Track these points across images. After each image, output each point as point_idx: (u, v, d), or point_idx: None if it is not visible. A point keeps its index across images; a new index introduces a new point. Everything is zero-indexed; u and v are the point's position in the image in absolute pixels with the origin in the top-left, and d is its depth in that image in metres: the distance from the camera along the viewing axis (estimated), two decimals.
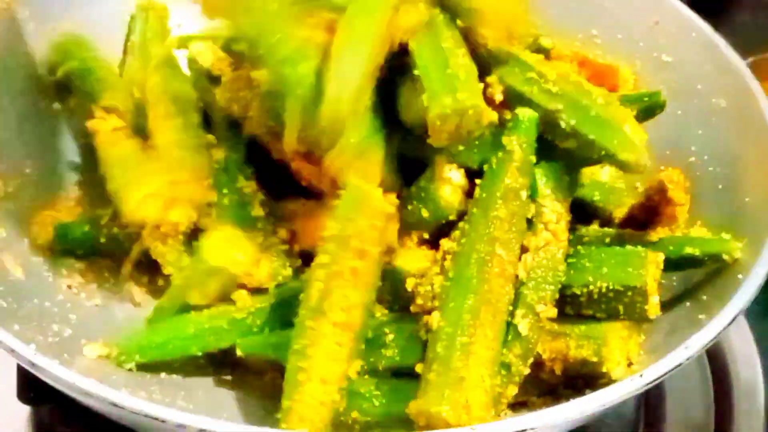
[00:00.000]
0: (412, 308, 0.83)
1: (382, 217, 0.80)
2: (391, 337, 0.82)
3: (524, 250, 0.83)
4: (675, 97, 1.02)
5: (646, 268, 0.82)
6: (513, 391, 0.79)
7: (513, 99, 0.86)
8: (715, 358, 1.06)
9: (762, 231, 0.84)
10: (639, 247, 0.85)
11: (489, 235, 0.81)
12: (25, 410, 0.98)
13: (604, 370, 0.81)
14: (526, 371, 0.80)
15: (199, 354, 0.86)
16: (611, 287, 0.82)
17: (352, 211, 0.79)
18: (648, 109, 0.93)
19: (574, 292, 0.84)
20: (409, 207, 0.87)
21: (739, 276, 0.82)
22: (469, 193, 0.86)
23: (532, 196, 0.85)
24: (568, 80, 0.87)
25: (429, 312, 0.81)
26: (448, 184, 0.86)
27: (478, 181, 0.84)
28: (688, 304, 0.87)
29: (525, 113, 0.85)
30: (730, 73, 0.99)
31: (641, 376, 0.72)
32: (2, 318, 0.77)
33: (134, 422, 0.74)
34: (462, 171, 0.86)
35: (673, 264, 0.86)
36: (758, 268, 0.81)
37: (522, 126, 0.85)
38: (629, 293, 0.82)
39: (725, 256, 0.85)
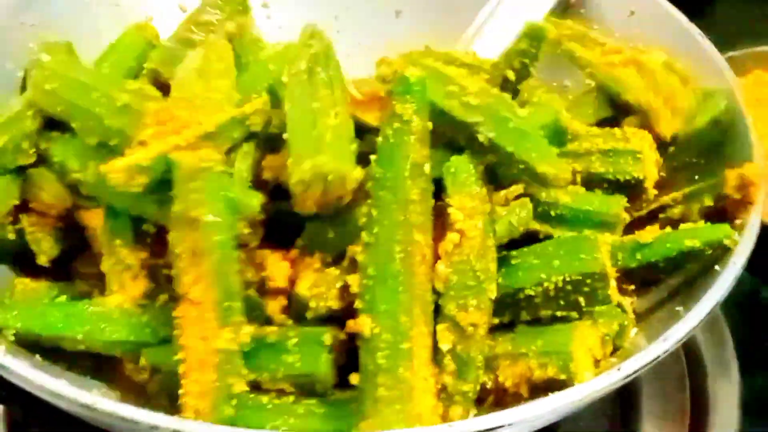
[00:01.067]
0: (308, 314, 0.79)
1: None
2: (294, 341, 0.76)
3: (436, 258, 0.77)
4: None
5: (600, 251, 0.79)
6: (457, 412, 0.74)
7: (433, 114, 0.81)
8: (690, 349, 1.06)
9: (737, 225, 0.85)
10: (585, 232, 0.83)
11: (406, 221, 0.75)
12: None
13: (576, 382, 0.76)
14: (472, 390, 0.75)
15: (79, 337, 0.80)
16: (567, 279, 0.79)
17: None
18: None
19: (528, 294, 0.80)
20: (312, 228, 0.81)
21: (716, 267, 0.81)
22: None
23: (438, 195, 0.79)
24: (488, 93, 0.84)
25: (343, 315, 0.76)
26: None
27: (373, 157, 0.78)
28: (665, 295, 0.87)
29: (413, 73, 0.79)
30: (706, 62, 0.99)
31: (619, 369, 0.71)
32: None
33: (107, 424, 0.73)
34: None
35: (674, 262, 0.85)
36: (735, 259, 0.81)
37: (414, 89, 0.78)
38: (588, 281, 0.79)
39: (726, 242, 0.82)
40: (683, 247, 0.84)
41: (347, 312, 0.76)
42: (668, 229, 0.87)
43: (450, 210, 0.78)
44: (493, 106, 0.82)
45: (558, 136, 0.86)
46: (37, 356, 0.79)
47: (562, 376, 0.77)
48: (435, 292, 0.76)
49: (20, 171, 0.91)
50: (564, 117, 0.87)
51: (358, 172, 0.76)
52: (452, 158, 0.81)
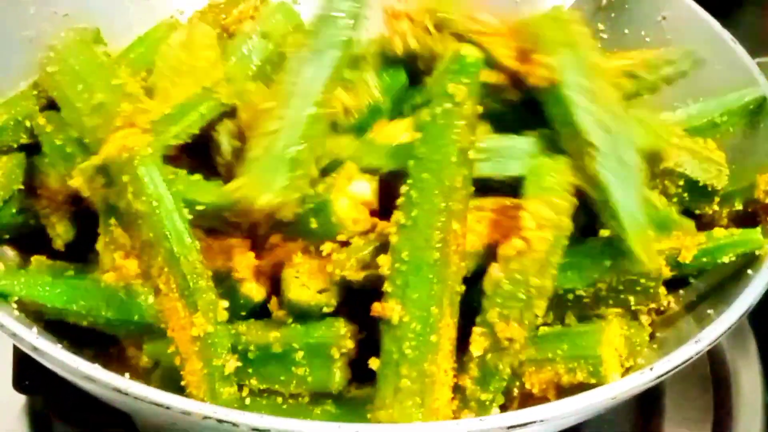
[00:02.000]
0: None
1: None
2: (300, 354, 0.75)
3: (493, 258, 0.73)
4: (681, 92, 1.02)
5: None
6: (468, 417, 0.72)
7: (549, 95, 0.78)
8: (714, 355, 1.06)
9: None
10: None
11: (447, 209, 0.72)
12: (20, 399, 0.98)
13: (606, 383, 0.75)
14: (490, 400, 0.73)
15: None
16: (622, 278, 0.78)
17: None
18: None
19: (578, 294, 0.79)
20: (300, 211, 0.76)
21: (749, 272, 0.81)
22: (383, 212, 0.77)
23: (515, 189, 0.76)
24: (621, 114, 0.78)
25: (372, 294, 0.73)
26: (346, 196, 0.77)
27: (417, 135, 0.74)
28: (696, 300, 0.87)
29: (470, 52, 0.75)
30: (738, 68, 0.99)
31: (651, 369, 0.71)
32: None
33: (135, 408, 0.73)
34: (372, 184, 0.78)
35: (706, 273, 0.86)
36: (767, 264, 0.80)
37: (469, 69, 0.75)
38: (642, 280, 0.79)
39: (759, 252, 0.82)
40: (718, 262, 0.84)
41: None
42: (702, 239, 0.84)
43: (522, 214, 0.73)
44: (618, 136, 0.76)
45: (656, 163, 0.83)
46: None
47: (593, 381, 0.76)
48: (467, 284, 0.74)
49: (25, 153, 0.92)
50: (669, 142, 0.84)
51: (266, 198, 0.73)
52: (546, 159, 0.76)
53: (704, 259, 0.83)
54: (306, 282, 0.77)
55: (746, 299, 0.78)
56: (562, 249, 0.74)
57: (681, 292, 0.89)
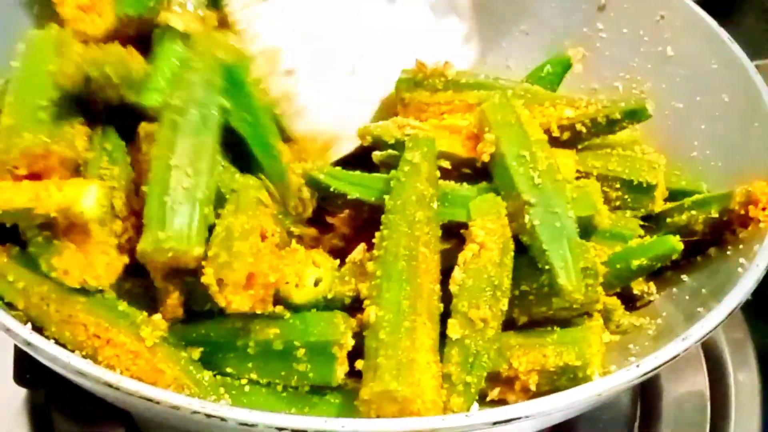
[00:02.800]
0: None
1: None
2: (302, 351, 0.79)
3: (452, 268, 0.81)
4: (679, 91, 1.03)
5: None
6: (458, 402, 0.76)
7: (494, 165, 0.88)
8: (711, 354, 1.06)
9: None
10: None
11: (411, 234, 0.81)
12: (21, 392, 0.99)
13: (588, 372, 0.80)
14: (478, 384, 0.78)
15: None
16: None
17: None
18: (632, 113, 0.95)
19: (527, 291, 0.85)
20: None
21: (739, 270, 0.81)
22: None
23: (464, 218, 0.84)
24: (553, 176, 0.86)
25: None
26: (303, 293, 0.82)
27: (386, 196, 0.84)
28: (686, 296, 0.87)
29: (423, 135, 0.89)
30: (735, 67, 0.99)
31: (638, 366, 0.71)
32: None
33: (128, 403, 0.74)
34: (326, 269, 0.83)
35: (625, 278, 0.89)
36: (757, 262, 0.81)
37: (422, 144, 0.87)
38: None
39: (675, 256, 0.87)
40: (632, 266, 0.88)
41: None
42: (618, 247, 0.89)
43: (471, 226, 0.83)
44: (551, 195, 0.84)
45: (588, 229, 0.88)
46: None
47: (578, 363, 0.81)
48: (444, 301, 0.80)
49: None
50: (600, 212, 0.89)
51: (198, 250, 0.77)
52: (480, 197, 0.86)
53: (618, 265, 0.88)
54: (298, 281, 0.81)
55: (735, 297, 0.78)
56: (511, 251, 0.83)
57: (673, 289, 0.89)
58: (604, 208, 0.90)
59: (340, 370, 0.78)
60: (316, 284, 0.81)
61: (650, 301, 0.91)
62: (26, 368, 0.96)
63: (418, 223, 0.82)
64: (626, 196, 0.94)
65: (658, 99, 0.99)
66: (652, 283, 0.91)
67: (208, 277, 0.75)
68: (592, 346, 0.82)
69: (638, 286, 0.90)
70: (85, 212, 0.76)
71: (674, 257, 0.87)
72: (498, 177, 0.88)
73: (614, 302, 0.89)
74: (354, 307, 0.81)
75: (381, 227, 0.82)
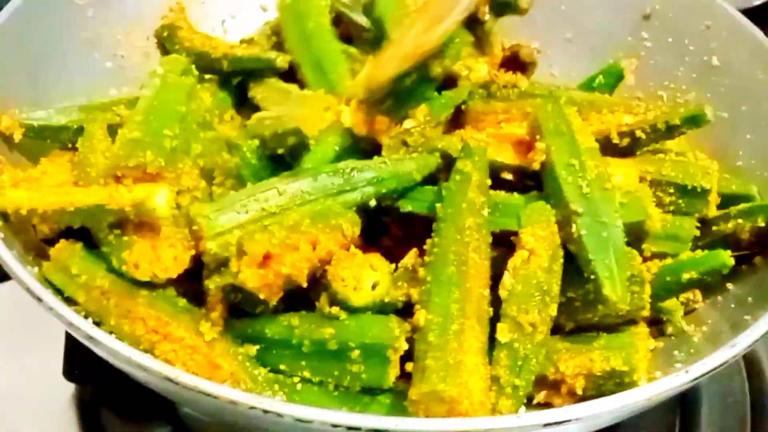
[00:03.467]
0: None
1: None
2: (356, 353, 0.80)
3: (502, 274, 0.82)
4: (723, 100, 1.03)
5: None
6: (506, 405, 0.77)
7: (544, 173, 0.89)
8: (752, 363, 1.05)
9: None
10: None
11: (461, 240, 0.82)
12: (69, 388, 1.00)
13: (634, 378, 0.81)
14: (526, 387, 0.79)
15: None
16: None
17: None
18: (691, 119, 0.94)
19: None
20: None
21: None
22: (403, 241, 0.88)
23: (515, 227, 0.85)
24: (602, 185, 0.86)
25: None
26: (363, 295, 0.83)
27: (438, 204, 0.85)
28: (732, 305, 0.87)
29: (476, 143, 0.89)
30: None
31: (687, 372, 0.72)
32: None
33: (186, 398, 0.75)
34: (383, 273, 0.84)
35: (676, 291, 0.90)
36: None
37: (474, 153, 0.88)
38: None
39: (725, 270, 0.87)
40: (682, 279, 0.88)
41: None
42: (669, 260, 0.90)
43: (521, 233, 0.84)
44: (599, 204, 0.84)
45: (640, 234, 0.88)
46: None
47: (625, 368, 0.81)
48: (494, 306, 0.81)
49: None
50: (652, 216, 0.88)
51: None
52: (530, 205, 0.87)
53: (668, 278, 0.88)
54: (356, 284, 0.82)
55: None
56: (560, 258, 0.83)
57: (719, 297, 0.90)
58: (657, 211, 0.89)
59: (393, 372, 0.79)
60: (373, 288, 0.82)
61: (695, 309, 0.91)
62: (75, 364, 0.97)
63: (468, 230, 0.83)
64: (680, 201, 0.93)
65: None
66: (697, 291, 0.91)
67: (233, 238, 0.78)
68: (638, 352, 0.82)
69: (684, 294, 0.91)
70: (158, 209, 0.81)
71: (724, 272, 0.87)
72: (548, 185, 0.88)
73: (675, 304, 0.89)
74: (406, 311, 0.82)
75: (432, 234, 0.84)
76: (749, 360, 1.05)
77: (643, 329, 0.86)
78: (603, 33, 1.15)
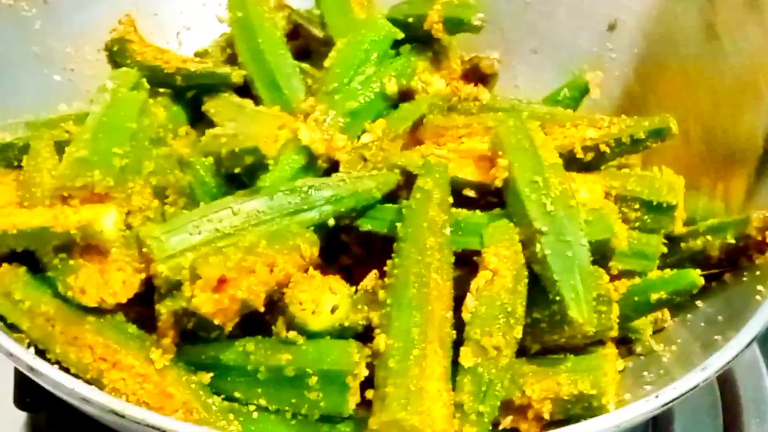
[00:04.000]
0: None
1: None
2: (314, 379, 0.77)
3: (465, 295, 0.79)
4: None
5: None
6: (471, 431, 0.74)
7: (506, 190, 0.86)
8: (725, 381, 1.04)
9: None
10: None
11: (422, 261, 0.80)
12: (22, 416, 0.97)
13: (603, 402, 0.79)
14: (491, 413, 0.76)
15: None
16: None
17: None
18: (657, 132, 0.93)
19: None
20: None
21: (757, 297, 0.80)
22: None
23: (477, 246, 0.82)
24: (566, 202, 0.83)
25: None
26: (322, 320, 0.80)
27: (398, 224, 0.83)
28: (702, 323, 0.86)
29: (436, 160, 0.88)
30: None
31: (657, 396, 0.70)
32: None
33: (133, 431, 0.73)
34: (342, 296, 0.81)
35: (644, 311, 0.88)
36: None
37: (434, 169, 0.86)
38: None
39: (695, 291, 0.86)
40: (651, 299, 0.86)
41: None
42: (637, 279, 0.88)
43: (484, 253, 0.81)
44: (563, 222, 0.82)
45: (606, 252, 0.85)
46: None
47: (593, 391, 0.79)
48: (457, 328, 0.78)
49: None
50: (618, 234, 0.85)
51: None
52: (493, 224, 0.84)
53: (636, 298, 0.87)
54: (315, 308, 0.79)
55: (755, 326, 0.76)
56: (525, 279, 0.81)
57: (688, 315, 0.88)
58: (623, 228, 0.87)
59: (352, 400, 0.76)
60: (332, 311, 0.79)
61: (663, 327, 0.89)
62: (27, 392, 0.94)
63: (430, 250, 0.80)
64: (645, 217, 0.91)
65: None
66: (666, 310, 0.89)
67: (186, 261, 0.76)
68: (607, 375, 0.80)
69: (653, 313, 0.89)
70: (105, 232, 0.78)
71: (694, 292, 0.86)
72: (511, 203, 0.85)
73: (643, 323, 0.88)
74: (367, 335, 0.79)
75: (393, 255, 0.81)
76: (723, 377, 1.04)
77: (611, 350, 0.84)
78: (568, 44, 1.14)
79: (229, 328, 0.76)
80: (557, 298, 0.79)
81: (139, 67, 0.99)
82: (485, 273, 0.80)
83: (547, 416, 0.80)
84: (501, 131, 0.89)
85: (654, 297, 0.86)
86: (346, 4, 1.07)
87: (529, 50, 1.17)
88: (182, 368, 0.78)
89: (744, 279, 0.86)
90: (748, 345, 0.75)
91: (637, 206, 0.92)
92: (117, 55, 1.02)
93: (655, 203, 0.92)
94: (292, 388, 0.77)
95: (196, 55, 1.10)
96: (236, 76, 0.97)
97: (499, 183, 0.86)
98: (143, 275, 0.79)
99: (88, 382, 0.72)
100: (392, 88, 0.96)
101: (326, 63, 0.98)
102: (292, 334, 0.78)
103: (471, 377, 0.76)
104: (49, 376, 0.68)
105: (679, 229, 0.93)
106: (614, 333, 0.84)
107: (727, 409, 1.02)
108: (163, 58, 1.00)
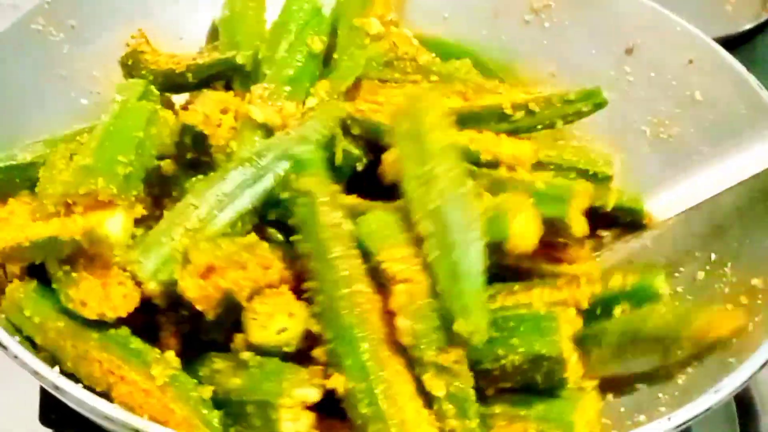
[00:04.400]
0: None
1: None
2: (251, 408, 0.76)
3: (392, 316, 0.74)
4: (707, 135, 1.02)
5: (559, 333, 0.76)
6: None
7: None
8: (743, 402, 1.05)
9: None
10: (550, 310, 0.78)
11: (339, 278, 0.75)
12: None
13: None
14: (477, 425, 0.74)
15: None
16: (524, 359, 0.76)
17: None
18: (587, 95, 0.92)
19: (486, 368, 0.77)
20: None
21: None
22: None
23: (368, 256, 0.77)
24: (458, 192, 0.77)
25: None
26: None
27: (294, 240, 0.79)
28: (716, 345, 0.85)
29: (304, 149, 0.85)
30: (763, 112, 0.98)
31: (669, 419, 0.71)
32: None
33: None
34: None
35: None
36: None
37: (308, 163, 0.84)
38: (545, 363, 0.76)
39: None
40: (613, 312, 0.83)
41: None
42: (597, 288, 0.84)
43: (382, 269, 0.75)
44: (450, 221, 0.76)
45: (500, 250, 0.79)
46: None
47: None
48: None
49: None
50: (573, 220, 0.82)
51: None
52: (363, 217, 0.80)
53: (597, 311, 0.83)
54: (265, 322, 0.78)
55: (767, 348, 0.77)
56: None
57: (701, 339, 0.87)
58: (578, 213, 0.83)
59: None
60: (279, 332, 0.77)
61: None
62: (51, 409, 0.95)
63: (339, 260, 0.76)
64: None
65: (686, 143, 1.00)
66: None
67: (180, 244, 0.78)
68: (577, 426, 0.76)
69: None
70: (110, 235, 0.78)
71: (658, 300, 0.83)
72: (404, 199, 0.80)
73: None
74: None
75: (306, 277, 0.78)
76: (740, 398, 1.04)
77: (590, 392, 0.81)
78: (586, 67, 1.13)
79: (210, 316, 0.77)
80: (443, 305, 0.73)
81: (154, 75, 1.00)
82: (400, 287, 0.74)
83: None
84: (393, 119, 0.85)
85: (617, 310, 0.83)
86: None
87: (548, 73, 1.17)
88: (184, 384, 0.77)
89: (758, 302, 0.86)
90: (761, 367, 0.75)
91: (573, 176, 0.92)
92: (132, 68, 1.04)
93: (591, 172, 0.92)
94: (255, 414, 0.76)
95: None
96: (242, 57, 0.98)
97: (391, 177, 0.82)
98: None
99: (100, 394, 0.73)
100: (317, 45, 1.00)
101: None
102: (247, 355, 0.77)
103: (449, 400, 0.73)
104: (73, 393, 0.69)
105: (611, 203, 0.92)
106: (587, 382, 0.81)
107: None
108: (174, 61, 1.02)
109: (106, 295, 0.78)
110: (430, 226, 0.75)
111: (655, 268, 0.86)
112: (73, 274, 0.79)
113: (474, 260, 0.74)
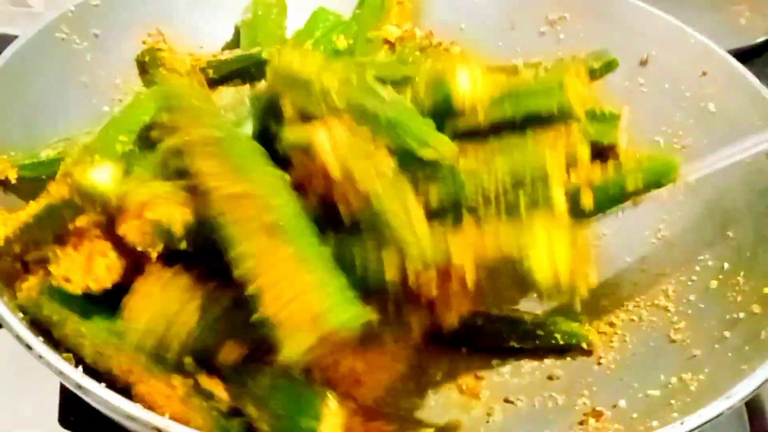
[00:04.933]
0: None
1: None
2: None
3: None
4: (720, 146, 1.03)
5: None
6: None
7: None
8: (754, 410, 1.05)
9: None
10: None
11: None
12: None
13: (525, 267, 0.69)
14: None
15: None
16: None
17: None
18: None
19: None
20: None
21: None
22: None
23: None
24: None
25: None
26: None
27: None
28: (730, 354, 0.86)
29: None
30: None
31: (682, 423, 0.71)
32: None
33: None
34: None
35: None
36: None
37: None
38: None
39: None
40: (627, 189, 0.83)
41: None
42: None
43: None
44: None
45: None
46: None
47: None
48: None
49: None
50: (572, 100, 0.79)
51: None
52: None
53: (611, 192, 0.82)
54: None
55: None
56: None
57: (716, 346, 0.89)
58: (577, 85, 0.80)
59: None
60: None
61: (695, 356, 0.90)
62: (71, 411, 0.96)
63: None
64: (589, 127, 0.85)
65: (700, 154, 1.00)
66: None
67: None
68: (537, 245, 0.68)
69: None
70: (98, 185, 0.76)
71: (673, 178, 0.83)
72: None
73: None
74: None
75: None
76: (752, 406, 1.04)
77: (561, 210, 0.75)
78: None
79: (153, 255, 0.76)
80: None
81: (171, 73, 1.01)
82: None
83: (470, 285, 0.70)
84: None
85: (630, 185, 0.83)
86: None
87: None
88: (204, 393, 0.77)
89: None
90: None
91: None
92: (149, 65, 1.05)
93: (598, 112, 0.91)
94: None
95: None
96: (267, 52, 0.98)
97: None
98: (124, 261, 0.79)
99: (120, 391, 0.73)
100: (342, 43, 1.02)
101: None
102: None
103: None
104: (97, 393, 0.70)
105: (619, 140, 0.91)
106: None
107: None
108: (193, 58, 1.04)
109: (89, 268, 0.78)
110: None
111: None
112: (58, 252, 0.79)
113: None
